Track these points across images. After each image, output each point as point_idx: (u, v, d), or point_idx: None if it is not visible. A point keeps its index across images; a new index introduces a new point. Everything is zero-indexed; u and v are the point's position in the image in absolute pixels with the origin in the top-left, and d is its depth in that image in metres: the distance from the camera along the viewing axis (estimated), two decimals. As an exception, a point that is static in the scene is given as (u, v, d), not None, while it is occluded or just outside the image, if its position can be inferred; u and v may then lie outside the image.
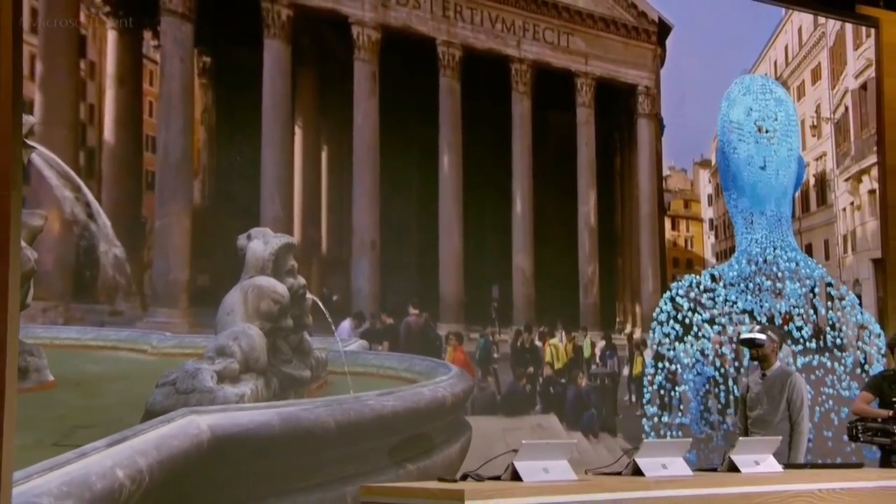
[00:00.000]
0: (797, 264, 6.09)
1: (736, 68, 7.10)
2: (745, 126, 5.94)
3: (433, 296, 5.00)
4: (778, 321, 5.90)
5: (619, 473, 3.64)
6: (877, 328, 6.33)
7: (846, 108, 7.41)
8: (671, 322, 5.57)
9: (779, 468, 3.95)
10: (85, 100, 3.68)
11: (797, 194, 6.85)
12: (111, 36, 3.79)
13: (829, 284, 6.37)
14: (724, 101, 6.11)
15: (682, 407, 5.50)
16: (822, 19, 7.30)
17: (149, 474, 3.47)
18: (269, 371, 4.19)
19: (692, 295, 5.64)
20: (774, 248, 5.97)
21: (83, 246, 3.73)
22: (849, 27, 7.22)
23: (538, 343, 5.55)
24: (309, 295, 4.41)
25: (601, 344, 5.85)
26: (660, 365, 5.54)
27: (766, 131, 5.98)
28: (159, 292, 3.93)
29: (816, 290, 6.16)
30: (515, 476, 3.21)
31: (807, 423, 4.74)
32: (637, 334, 5.90)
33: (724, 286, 5.86)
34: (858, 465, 4.37)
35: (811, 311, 6.10)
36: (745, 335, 4.89)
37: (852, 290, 6.88)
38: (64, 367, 3.58)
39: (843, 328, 6.14)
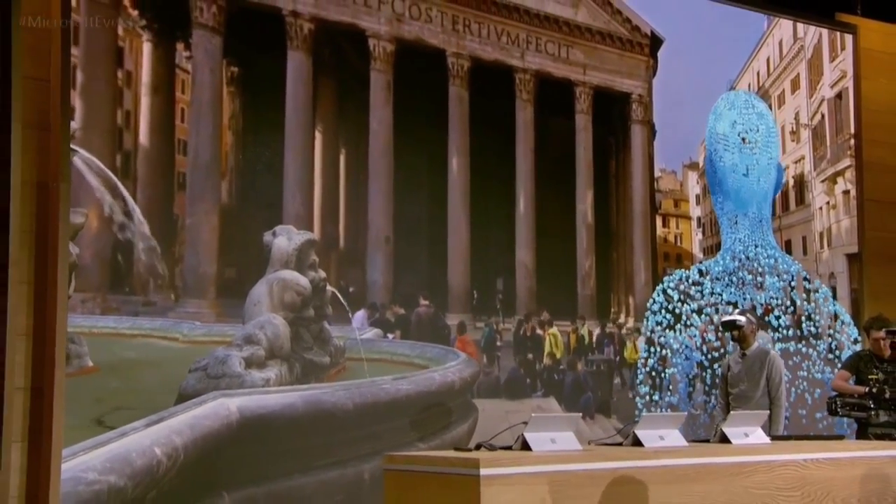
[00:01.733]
0: (776, 260, 6.11)
1: (721, 78, 6.99)
2: (730, 137, 5.98)
3: (442, 288, 4.92)
4: (759, 312, 5.86)
5: (621, 444, 3.63)
6: (847, 318, 6.31)
7: (822, 115, 7.31)
8: (663, 311, 5.51)
9: (767, 440, 3.93)
10: (122, 107, 3.61)
11: (777, 196, 6.80)
12: (146, 48, 3.72)
13: (805, 279, 6.30)
14: (712, 114, 6.10)
15: (671, 387, 5.43)
16: (801, 33, 7.19)
17: (183, 452, 3.43)
18: (292, 357, 4.13)
19: (682, 287, 5.58)
20: (756, 246, 6.01)
21: (119, 241, 3.67)
22: (825, 40, 7.10)
23: (539, 332, 5.47)
24: (329, 287, 4.35)
25: (597, 332, 5.77)
26: (652, 350, 5.50)
27: (749, 142, 6.01)
28: (189, 284, 3.86)
29: (793, 283, 6.14)
30: (525, 446, 3.21)
31: (784, 398, 4.72)
32: (630, 323, 5.82)
33: (711, 280, 5.82)
34: (840, 437, 4.37)
35: (789, 303, 6.07)
36: (725, 318, 4.88)
37: (828, 283, 6.80)
38: (103, 353, 3.53)
39: (817, 318, 6.12)
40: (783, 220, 7.04)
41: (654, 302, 5.48)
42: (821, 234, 7.02)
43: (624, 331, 5.67)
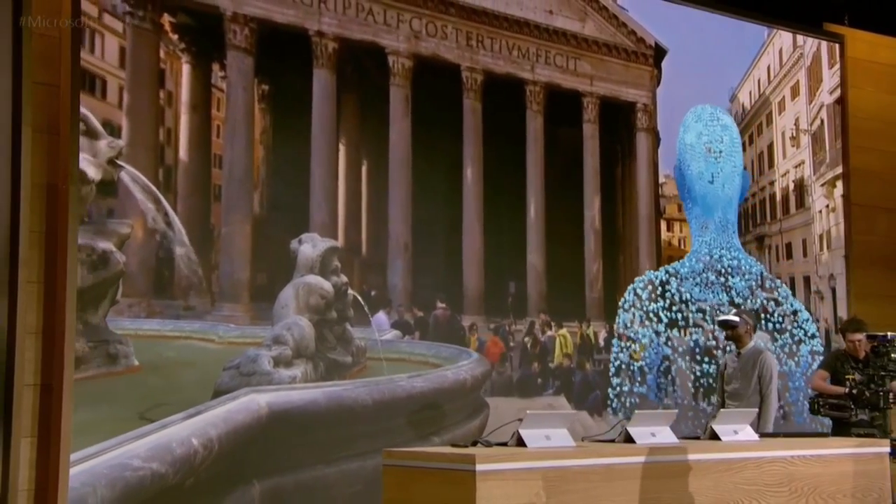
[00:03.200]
0: (739, 261, 6.47)
1: (723, 86, 7.23)
2: (696, 147, 6.34)
3: (458, 291, 5.17)
4: (729, 310, 6.13)
5: (613, 441, 3.75)
6: (806, 314, 6.66)
7: (822, 121, 7.54)
8: (632, 310, 5.79)
9: (755, 437, 4.06)
10: (164, 124, 3.87)
11: (778, 200, 7.05)
12: (185, 69, 3.98)
13: (768, 278, 6.64)
14: (681, 126, 6.45)
15: (639, 379, 5.69)
16: (800, 41, 7.43)
17: (218, 443, 3.70)
18: (316, 357, 4.39)
19: (649, 288, 5.86)
20: (720, 248, 6.39)
21: (162, 250, 3.93)
22: (824, 48, 7.35)
23: (549, 333, 5.72)
24: (350, 291, 4.61)
25: (604, 333, 6.01)
26: (622, 345, 5.75)
27: (714, 152, 6.41)
28: (225, 290, 4.13)
29: (756, 282, 6.51)
30: (520, 442, 3.32)
31: (775, 395, 4.92)
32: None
33: (680, 280, 6.12)
34: (825, 435, 4.60)
35: (754, 302, 6.43)
36: (721, 317, 5.12)
37: (828, 284, 7.06)
38: (147, 353, 3.80)
39: (778, 315, 6.48)
40: (784, 223, 7.28)
41: (626, 301, 5.78)
42: (820, 237, 7.25)
43: (630, 332, 5.91)
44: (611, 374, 5.57)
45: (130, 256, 3.74)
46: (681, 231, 7.43)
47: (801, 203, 7.42)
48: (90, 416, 3.59)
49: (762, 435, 4.29)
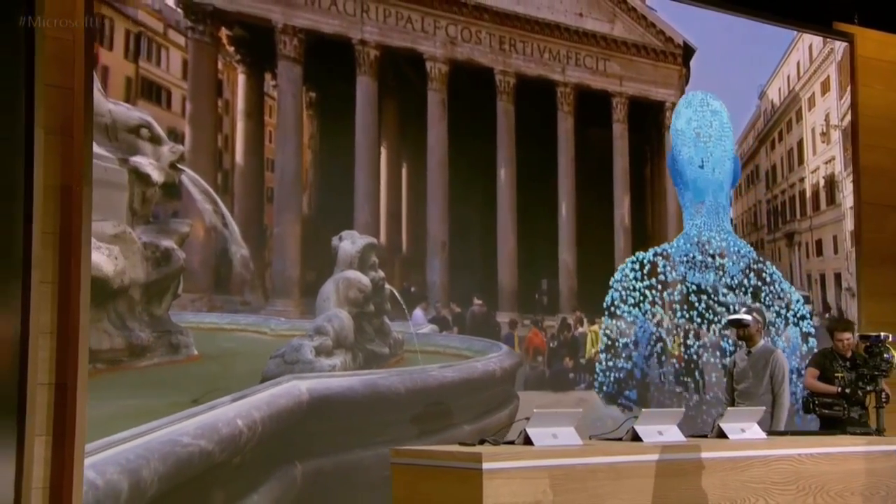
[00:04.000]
0: (728, 244, 6.81)
1: (752, 84, 7.56)
2: (686, 133, 6.64)
3: (493, 288, 5.57)
4: (724, 292, 6.48)
5: (620, 439, 3.86)
6: (796, 296, 6.99)
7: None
8: (620, 288, 6.10)
9: (763, 435, 4.20)
10: (221, 131, 4.32)
11: (808, 196, 7.37)
12: (241, 79, 4.43)
13: (758, 261, 6.96)
14: (674, 113, 6.73)
15: (624, 355, 6.01)
16: (831, 37, 7.71)
17: (261, 425, 4.15)
18: (355, 347, 4.81)
19: (637, 267, 6.15)
20: (710, 231, 6.71)
21: (220, 248, 4.37)
22: (856, 43, 7.61)
23: (581, 329, 6.10)
24: (387, 286, 5.03)
25: (634, 329, 6.38)
26: (611, 321, 6.02)
27: (703, 137, 6.72)
28: (277, 286, 4.57)
29: (749, 265, 6.86)
30: (527, 441, 3.45)
31: (788, 394, 5.16)
32: (666, 321, 6.41)
33: (672, 263, 6.41)
34: (833, 433, 4.74)
35: (747, 283, 6.77)
36: (732, 317, 5.41)
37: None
38: (206, 344, 4.24)
39: (769, 299, 6.79)
40: (814, 219, 7.59)
41: (615, 280, 6.07)
42: (851, 234, 7.55)
43: (661, 329, 6.28)
44: (600, 349, 5.86)
45: (193, 255, 4.18)
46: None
47: (831, 200, 7.71)
48: (153, 400, 4.04)
49: (770, 433, 4.43)
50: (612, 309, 5.93)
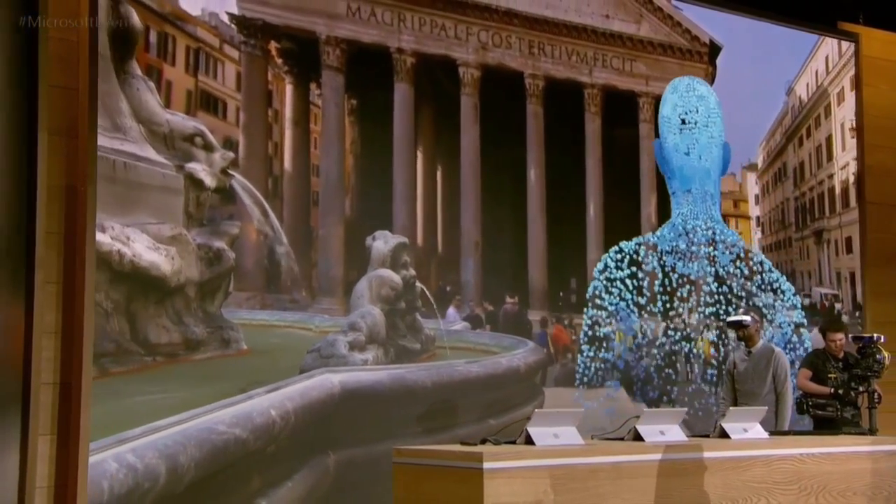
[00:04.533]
0: (715, 233, 7.18)
1: (780, 79, 8.15)
2: (672, 119, 7.02)
3: (524, 287, 6.19)
4: (713, 284, 6.98)
5: (622, 439, 4.14)
6: (787, 285, 7.49)
7: (883, 111, 8.31)
8: (601, 279, 6.49)
9: (765, 435, 4.49)
10: (272, 139, 4.96)
11: (837, 193, 7.92)
12: (288, 89, 5.07)
13: (748, 251, 7.47)
14: (661, 100, 7.15)
15: (605, 345, 6.43)
16: (860, 31, 8.26)
17: (294, 415, 4.79)
18: (388, 343, 5.44)
19: (620, 257, 6.61)
20: (695, 219, 7.08)
21: (269, 249, 5.00)
22: (885, 38, 8.16)
23: (609, 327, 6.70)
24: (418, 284, 5.65)
25: (662, 327, 6.98)
26: (592, 312, 6.45)
27: (688, 123, 7.06)
28: (322, 285, 5.20)
29: (740, 255, 7.33)
30: (529, 440, 3.73)
31: (791, 393, 5.51)
32: (693, 320, 7.00)
33: (660, 253, 6.87)
34: (835, 433, 5.04)
35: (739, 273, 7.23)
36: (731, 318, 5.79)
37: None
38: (256, 339, 4.88)
39: (757, 289, 7.24)
40: (843, 217, 8.17)
41: (598, 269, 6.55)
42: (881, 231, 8.11)
43: (688, 327, 6.89)
44: (581, 340, 6.31)
45: (248, 256, 4.82)
46: (737, 227, 8.37)
47: (861, 196, 8.24)
48: (206, 389, 4.67)
49: (772, 433, 4.72)
50: (595, 300, 6.37)
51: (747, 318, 5.59)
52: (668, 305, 6.76)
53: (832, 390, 5.26)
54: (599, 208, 6.71)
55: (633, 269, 6.57)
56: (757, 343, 5.57)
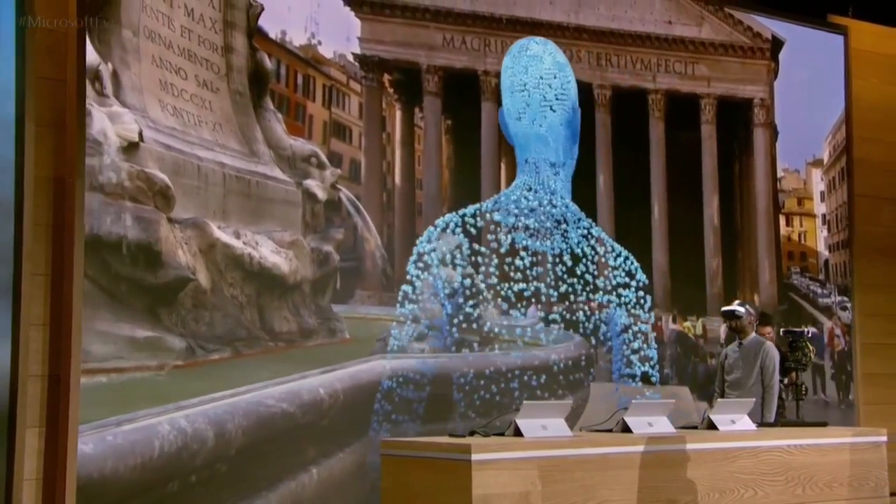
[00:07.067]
0: (540, 203, 9.10)
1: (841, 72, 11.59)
2: (505, 84, 9.13)
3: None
4: (568, 262, 9.25)
5: (611, 430, 5.78)
6: (641, 276, 9.62)
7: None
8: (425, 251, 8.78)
9: (753, 427, 6.29)
10: (385, 158, 8.43)
11: None
12: (398, 115, 8.57)
13: (594, 227, 9.62)
14: None
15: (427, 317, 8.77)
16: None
17: (342, 395, 8.19)
18: (446, 334, 8.85)
19: (440, 232, 8.73)
20: (529, 190, 9.06)
21: (372, 252, 8.45)
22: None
23: (673, 326, 10.17)
24: (476, 281, 9.07)
25: (724, 328, 10.46)
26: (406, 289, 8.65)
27: (518, 85, 9.04)
28: (424, 286, 8.68)
29: (593, 232, 9.45)
30: (517, 432, 5.14)
31: (777, 385, 7.74)
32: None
33: (486, 219, 8.92)
34: (822, 424, 7.08)
35: (591, 252, 9.40)
36: (726, 308, 8.19)
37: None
38: (360, 330, 8.36)
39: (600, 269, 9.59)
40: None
41: (422, 241, 8.69)
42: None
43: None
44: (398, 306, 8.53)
45: (367, 259, 8.26)
46: (801, 225, 11.85)
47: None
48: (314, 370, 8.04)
49: (760, 425, 6.57)
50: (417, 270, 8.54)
51: (741, 308, 8.02)
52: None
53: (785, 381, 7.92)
54: (663, 210, 10.22)
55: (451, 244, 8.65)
56: (749, 335, 7.98)
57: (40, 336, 6.01)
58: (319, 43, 8.16)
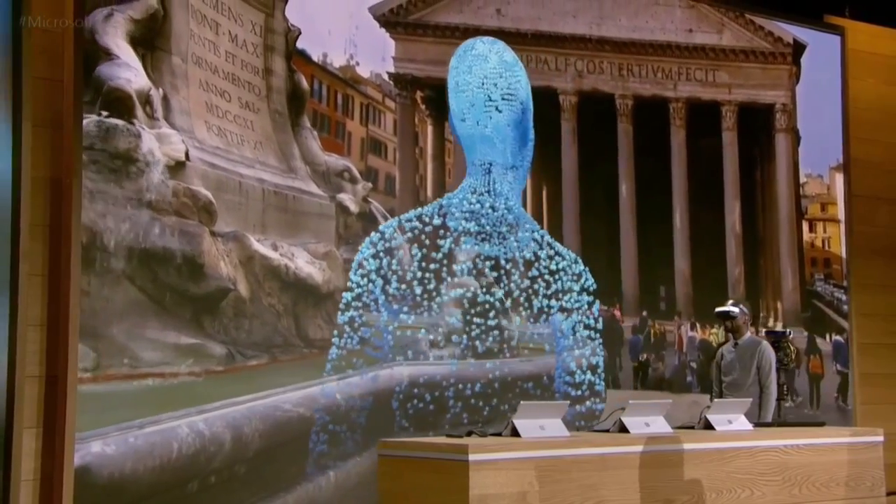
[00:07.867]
0: (482, 206, 9.81)
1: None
2: (450, 84, 9.78)
3: (618, 294, 11.07)
4: (521, 267, 10.08)
5: (608, 431, 6.20)
6: (590, 282, 10.50)
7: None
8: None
9: (749, 427, 6.68)
10: (418, 172, 9.89)
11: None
12: (430, 130, 10.03)
13: (542, 232, 10.47)
14: None
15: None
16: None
17: (360, 400, 9.63)
18: (465, 342, 10.27)
19: (380, 240, 9.60)
20: (473, 192, 9.80)
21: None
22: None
23: (693, 333, 11.59)
24: (495, 289, 10.48)
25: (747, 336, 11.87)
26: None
27: (460, 85, 9.68)
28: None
29: (536, 237, 10.22)
30: (515, 432, 5.54)
31: (774, 385, 8.52)
32: (778, 327, 11.83)
33: (428, 223, 9.72)
34: (820, 424, 7.71)
35: (542, 256, 10.21)
36: (720, 309, 9.01)
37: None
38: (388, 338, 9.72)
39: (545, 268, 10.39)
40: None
41: (366, 245, 9.59)
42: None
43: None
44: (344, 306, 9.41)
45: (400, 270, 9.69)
46: (824, 231, 13.20)
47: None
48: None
49: (756, 425, 6.99)
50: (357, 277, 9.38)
51: (735, 309, 8.87)
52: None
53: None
54: (685, 217, 11.67)
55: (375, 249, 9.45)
56: (744, 335, 8.87)
57: (37, 337, 6.49)
58: (357, 63, 9.66)
